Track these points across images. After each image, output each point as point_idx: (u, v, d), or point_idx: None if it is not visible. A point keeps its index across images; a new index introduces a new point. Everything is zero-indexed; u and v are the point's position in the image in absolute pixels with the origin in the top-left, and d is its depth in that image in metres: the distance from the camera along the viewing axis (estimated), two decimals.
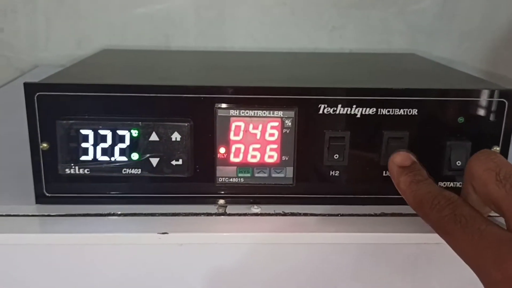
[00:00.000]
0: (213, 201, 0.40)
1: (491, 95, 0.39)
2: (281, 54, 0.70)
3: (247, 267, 0.37)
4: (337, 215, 0.39)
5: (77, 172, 0.38)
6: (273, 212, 0.39)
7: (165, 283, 0.37)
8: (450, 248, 0.36)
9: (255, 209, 0.39)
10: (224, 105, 0.38)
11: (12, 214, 0.38)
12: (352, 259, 0.37)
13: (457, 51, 0.81)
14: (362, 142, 0.39)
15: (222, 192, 0.40)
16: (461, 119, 0.39)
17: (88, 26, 0.80)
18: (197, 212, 0.39)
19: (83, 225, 0.37)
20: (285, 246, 0.36)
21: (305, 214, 0.39)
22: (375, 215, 0.39)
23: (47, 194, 0.39)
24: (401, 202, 0.39)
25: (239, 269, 0.37)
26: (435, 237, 0.36)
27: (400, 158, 0.36)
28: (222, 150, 0.39)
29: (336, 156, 0.39)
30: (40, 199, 0.39)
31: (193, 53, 0.69)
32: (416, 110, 0.39)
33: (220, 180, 0.39)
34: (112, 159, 0.38)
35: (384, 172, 0.40)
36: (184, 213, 0.38)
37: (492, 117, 0.39)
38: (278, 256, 0.37)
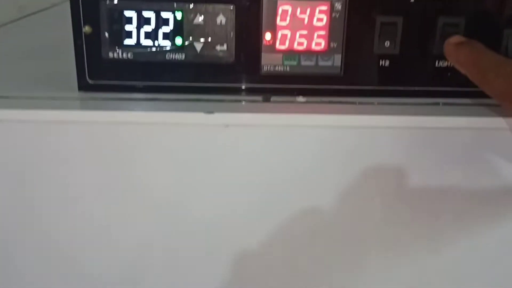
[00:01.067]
0: (257, 90, 0.39)
1: None
2: None
3: (294, 150, 0.35)
4: (387, 103, 0.37)
5: (120, 56, 0.37)
6: (320, 101, 0.38)
7: (209, 164, 0.36)
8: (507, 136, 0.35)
9: (301, 99, 0.38)
10: None
11: (56, 96, 0.37)
12: (403, 144, 0.35)
13: None
14: (415, 29, 0.37)
15: (267, 82, 0.38)
16: None
17: None
18: (243, 99, 0.38)
19: (128, 105, 0.36)
20: (334, 129, 0.35)
21: (353, 103, 0.37)
22: (428, 104, 0.37)
23: (90, 81, 0.38)
24: (455, 95, 0.38)
25: (285, 152, 0.36)
26: (493, 121, 0.35)
27: (455, 38, 0.35)
28: (268, 36, 0.37)
29: (387, 44, 0.37)
30: (83, 86, 0.38)
31: None
32: None
33: (265, 68, 0.38)
34: (156, 43, 0.37)
35: (437, 62, 0.38)
36: (230, 100, 0.37)
37: None
38: (327, 140, 0.35)
